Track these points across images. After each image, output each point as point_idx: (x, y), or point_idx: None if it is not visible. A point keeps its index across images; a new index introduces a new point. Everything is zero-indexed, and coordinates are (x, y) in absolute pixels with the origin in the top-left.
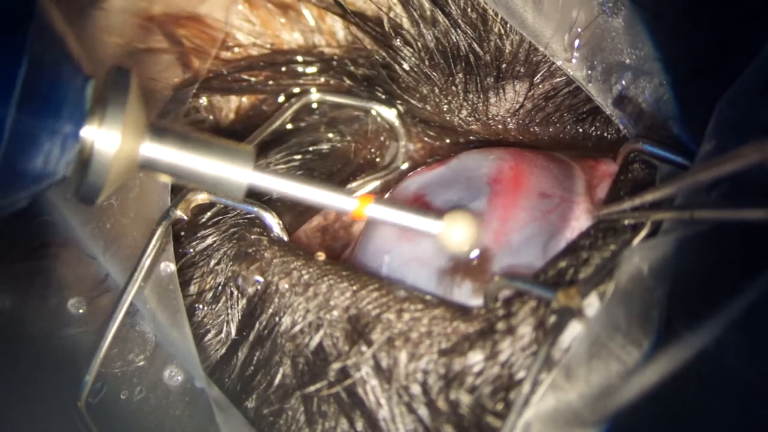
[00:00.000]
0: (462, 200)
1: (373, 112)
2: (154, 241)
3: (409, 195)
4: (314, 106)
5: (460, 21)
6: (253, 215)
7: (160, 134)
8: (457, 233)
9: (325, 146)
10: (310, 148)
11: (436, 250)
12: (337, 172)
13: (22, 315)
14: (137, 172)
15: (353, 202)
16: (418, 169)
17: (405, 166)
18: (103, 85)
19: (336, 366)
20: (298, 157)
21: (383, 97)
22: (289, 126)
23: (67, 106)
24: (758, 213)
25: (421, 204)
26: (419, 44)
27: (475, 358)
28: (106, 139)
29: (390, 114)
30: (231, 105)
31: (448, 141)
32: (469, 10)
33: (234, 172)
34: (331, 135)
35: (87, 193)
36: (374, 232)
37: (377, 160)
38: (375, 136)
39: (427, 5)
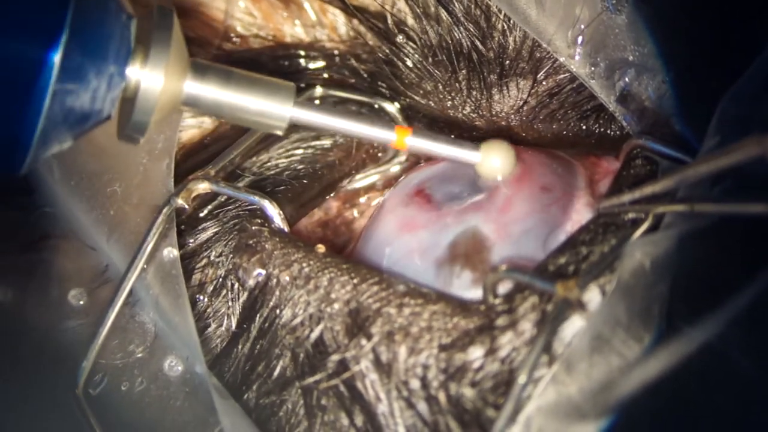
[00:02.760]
0: (463, 193)
1: (376, 107)
2: (156, 227)
3: (411, 189)
4: (317, 102)
5: (463, 18)
6: (254, 206)
7: (202, 72)
8: (494, 161)
9: (327, 141)
10: (312, 143)
11: (435, 241)
12: (338, 166)
13: (23, 307)
14: (181, 108)
15: (392, 135)
16: (420, 164)
17: (407, 161)
18: (146, 24)
19: (335, 358)
20: (300, 151)
21: (386, 93)
22: None
23: (113, 45)
24: (759, 207)
25: (422, 197)
26: (422, 41)
27: (475, 353)
28: (151, 78)
29: (393, 109)
30: None
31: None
32: (472, 7)
33: (275, 107)
34: None
35: (133, 131)
36: (376, 226)
37: (379, 155)
38: None
39: (431, 2)
